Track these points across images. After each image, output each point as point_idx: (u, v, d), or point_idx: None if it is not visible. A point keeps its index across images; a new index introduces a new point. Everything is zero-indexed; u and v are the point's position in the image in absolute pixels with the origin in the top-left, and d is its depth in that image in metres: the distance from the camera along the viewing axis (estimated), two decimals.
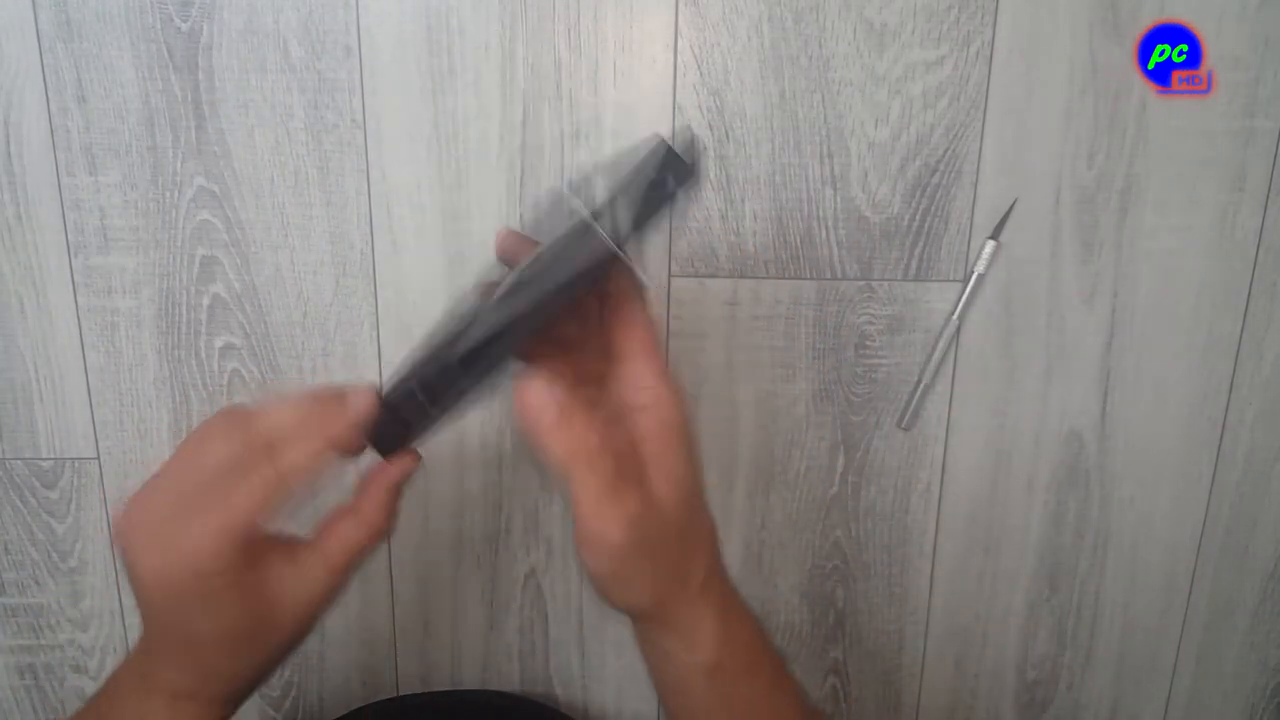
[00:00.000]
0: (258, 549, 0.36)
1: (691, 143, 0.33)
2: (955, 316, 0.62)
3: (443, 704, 0.67)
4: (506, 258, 0.38)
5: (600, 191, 0.34)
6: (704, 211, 0.60)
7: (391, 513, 0.40)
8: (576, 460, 0.36)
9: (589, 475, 0.36)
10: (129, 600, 0.67)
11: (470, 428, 0.63)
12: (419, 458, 0.39)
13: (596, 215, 0.32)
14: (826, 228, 0.61)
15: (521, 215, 0.60)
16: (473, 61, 0.57)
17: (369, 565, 0.66)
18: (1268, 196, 0.61)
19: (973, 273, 0.61)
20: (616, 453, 0.36)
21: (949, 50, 0.58)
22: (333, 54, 0.57)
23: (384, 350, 0.62)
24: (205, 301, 0.61)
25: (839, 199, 0.60)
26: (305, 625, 0.39)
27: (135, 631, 0.67)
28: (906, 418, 0.64)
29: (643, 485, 0.37)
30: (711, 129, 0.59)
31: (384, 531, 0.40)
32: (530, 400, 0.36)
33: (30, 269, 0.60)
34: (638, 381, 0.37)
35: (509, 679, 0.69)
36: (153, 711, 0.38)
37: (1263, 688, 0.71)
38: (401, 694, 0.69)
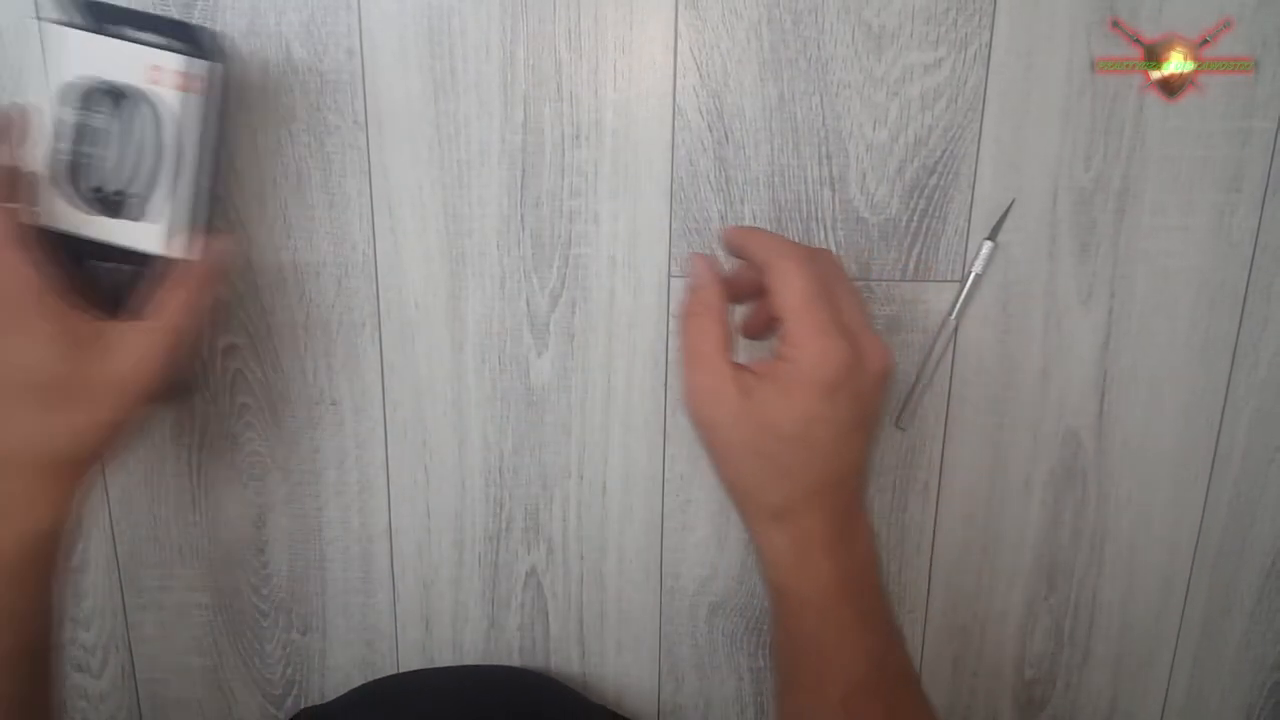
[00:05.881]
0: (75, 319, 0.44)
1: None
2: (953, 317, 0.62)
3: (444, 681, 0.67)
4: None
5: None
6: (704, 212, 0.60)
7: (208, 285, 0.49)
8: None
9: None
10: (131, 599, 0.67)
11: (471, 426, 0.64)
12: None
13: None
14: (825, 229, 0.61)
15: None
16: (474, 63, 0.58)
17: (370, 564, 0.67)
18: (1264, 197, 0.61)
19: (970, 273, 0.61)
20: None
21: (947, 52, 0.58)
22: (335, 56, 0.57)
23: (386, 351, 0.62)
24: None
25: (837, 200, 0.60)
26: (124, 397, 0.44)
27: (137, 630, 0.68)
28: (904, 417, 0.64)
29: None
30: (711, 130, 0.59)
31: (200, 304, 0.48)
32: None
33: None
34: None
35: None
36: None
37: (1260, 685, 0.72)
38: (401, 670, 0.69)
